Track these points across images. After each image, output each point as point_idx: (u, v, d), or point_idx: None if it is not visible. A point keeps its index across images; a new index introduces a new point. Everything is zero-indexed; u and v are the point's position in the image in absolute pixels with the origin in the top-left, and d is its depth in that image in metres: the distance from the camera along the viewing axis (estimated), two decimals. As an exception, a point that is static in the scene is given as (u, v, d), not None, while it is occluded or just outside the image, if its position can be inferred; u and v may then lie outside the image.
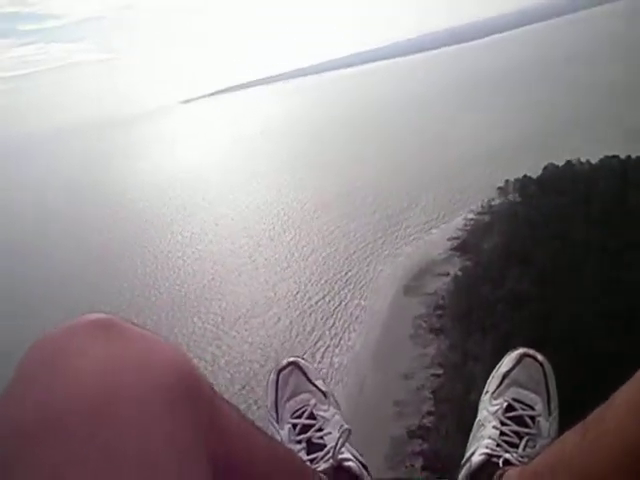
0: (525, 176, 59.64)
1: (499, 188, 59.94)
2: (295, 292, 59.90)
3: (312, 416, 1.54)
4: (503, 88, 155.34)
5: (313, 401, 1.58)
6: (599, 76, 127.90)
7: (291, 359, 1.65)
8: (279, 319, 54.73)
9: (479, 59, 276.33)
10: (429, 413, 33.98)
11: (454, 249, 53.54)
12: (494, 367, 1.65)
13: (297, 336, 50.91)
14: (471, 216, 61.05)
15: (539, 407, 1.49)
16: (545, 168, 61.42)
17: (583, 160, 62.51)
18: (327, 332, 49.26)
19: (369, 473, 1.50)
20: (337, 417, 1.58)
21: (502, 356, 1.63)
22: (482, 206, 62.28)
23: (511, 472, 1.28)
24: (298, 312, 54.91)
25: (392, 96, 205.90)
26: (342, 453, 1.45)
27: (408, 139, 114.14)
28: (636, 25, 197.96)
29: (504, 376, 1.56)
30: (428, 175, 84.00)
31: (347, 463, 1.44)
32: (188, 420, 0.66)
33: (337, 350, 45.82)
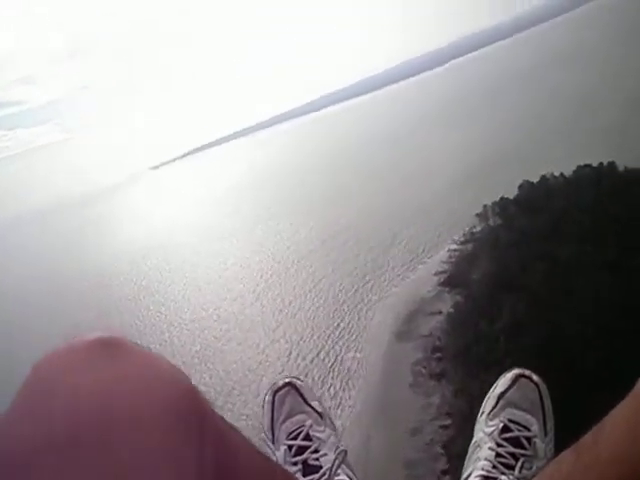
0: (502, 198, 58.61)
1: (478, 215, 58.73)
2: (288, 353, 57.15)
3: (308, 437, 1.53)
4: (474, 108, 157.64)
5: (309, 422, 1.57)
6: (565, 85, 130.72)
7: (287, 380, 1.68)
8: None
9: (447, 84, 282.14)
10: (443, 472, 31.24)
11: (442, 284, 51.66)
12: None
13: (295, 401, 47.92)
14: (454, 247, 59.53)
15: (535, 428, 1.48)
16: (520, 186, 60.59)
17: (557, 173, 61.99)
18: (326, 393, 46.44)
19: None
20: (333, 438, 1.57)
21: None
22: (464, 234, 60.93)
23: None
24: (293, 374, 52.05)
25: (366, 133, 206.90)
26: (338, 475, 1.45)
27: (387, 175, 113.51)
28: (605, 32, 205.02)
29: (499, 397, 1.55)
30: (409, 209, 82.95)
31: None
32: (190, 440, 0.65)
33: (339, 411, 42.92)
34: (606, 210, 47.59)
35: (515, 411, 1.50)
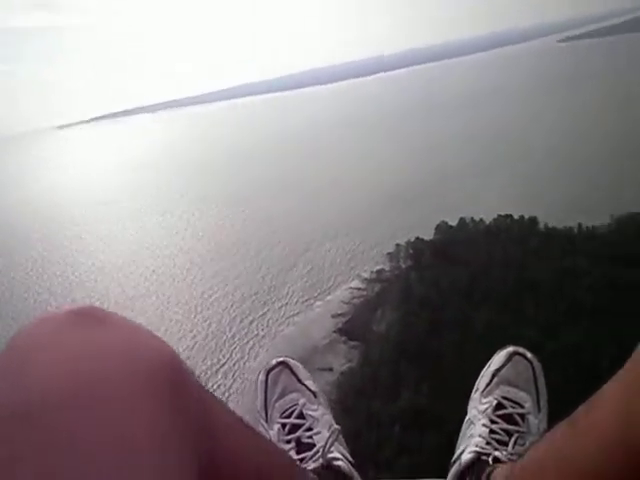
0: (417, 239, 52.93)
1: (389, 254, 52.64)
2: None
3: (301, 415, 1.54)
4: (410, 123, 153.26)
5: (302, 400, 1.57)
6: (498, 120, 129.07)
7: (280, 359, 1.64)
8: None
9: (373, 96, 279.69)
10: None
11: (339, 331, 44.75)
12: None
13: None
14: (359, 285, 52.98)
15: (528, 405, 1.51)
16: (437, 227, 55.43)
17: (477, 218, 57.62)
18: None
19: (358, 472, 1.52)
20: (327, 417, 1.58)
21: None
22: (371, 272, 54.62)
23: (501, 469, 1.31)
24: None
25: (284, 132, 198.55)
26: (331, 452, 1.47)
27: (295, 186, 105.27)
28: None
29: (494, 374, 1.57)
30: (312, 232, 75.53)
31: (337, 462, 1.46)
32: (172, 408, 0.65)
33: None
34: (528, 274, 43.05)
35: (509, 388, 1.51)
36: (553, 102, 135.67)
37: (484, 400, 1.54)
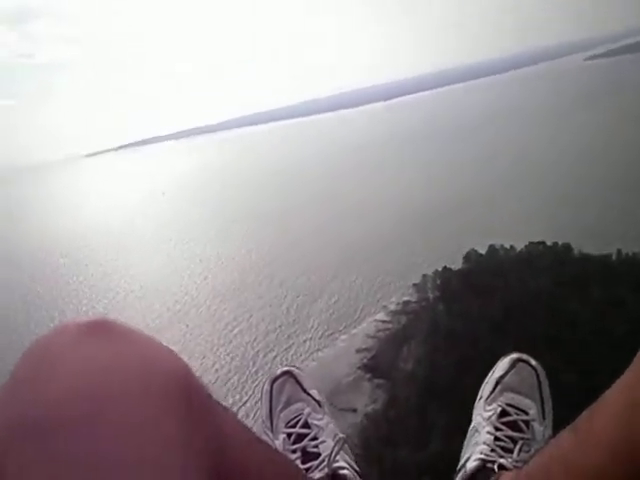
0: (445, 268, 50.73)
1: (415, 285, 50.53)
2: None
3: (307, 425, 1.55)
4: (440, 144, 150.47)
5: (307, 410, 1.58)
6: (524, 140, 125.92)
7: (285, 368, 1.66)
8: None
9: (397, 119, 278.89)
10: None
11: (364, 367, 42.62)
12: None
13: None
14: (384, 317, 50.86)
15: (533, 412, 1.51)
16: (466, 256, 53.11)
17: (507, 245, 55.12)
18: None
19: None
20: (331, 426, 1.58)
21: None
22: (397, 303, 52.54)
23: (506, 476, 1.32)
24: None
25: (306, 158, 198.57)
26: (337, 461, 1.48)
27: (316, 213, 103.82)
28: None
29: (498, 381, 1.57)
30: (338, 260, 73.78)
31: (342, 471, 1.46)
32: (185, 421, 0.65)
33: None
34: (564, 305, 40.38)
35: (513, 395, 1.50)
36: (585, 122, 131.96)
37: (488, 407, 1.52)
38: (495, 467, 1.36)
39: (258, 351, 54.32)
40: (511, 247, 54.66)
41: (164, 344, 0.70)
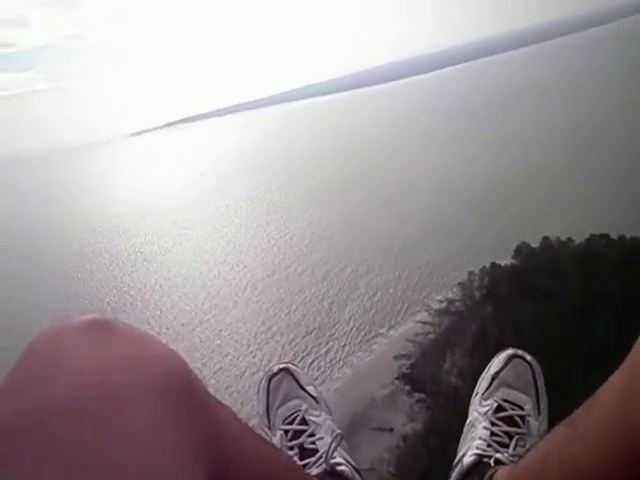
0: (493, 264, 46.06)
1: (459, 284, 46.15)
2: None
3: (304, 422, 1.56)
4: (480, 121, 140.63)
5: (305, 406, 1.60)
6: (586, 112, 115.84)
7: (282, 365, 1.67)
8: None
9: (436, 93, 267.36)
10: None
11: (402, 378, 38.88)
12: None
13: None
14: (426, 318, 46.81)
15: (528, 407, 1.53)
16: (517, 250, 48.17)
17: (564, 238, 49.71)
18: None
19: (362, 477, 1.53)
20: (329, 422, 1.60)
21: None
22: (440, 301, 48.36)
23: (502, 471, 1.32)
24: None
25: (350, 133, 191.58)
26: (334, 458, 1.49)
27: (359, 193, 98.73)
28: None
29: (493, 377, 1.60)
30: (376, 249, 69.58)
31: (340, 467, 1.47)
32: (181, 419, 0.65)
33: None
34: (636, 311, 35.27)
35: (509, 390, 1.53)
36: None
37: (484, 403, 1.54)
38: (491, 462, 1.37)
39: (295, 354, 50.97)
40: (568, 240, 49.25)
41: (159, 339, 0.70)
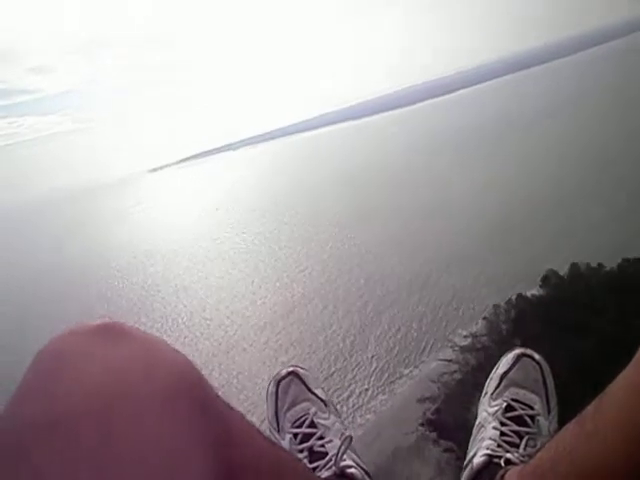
0: (520, 296, 43.44)
1: (484, 318, 43.60)
2: None
3: (313, 425, 1.58)
4: (494, 144, 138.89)
5: (313, 410, 1.62)
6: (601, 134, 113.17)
7: (290, 369, 1.68)
8: None
9: (457, 115, 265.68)
10: None
11: (427, 423, 36.22)
12: None
13: None
14: (449, 356, 44.19)
15: (538, 406, 1.56)
16: (545, 279, 45.47)
17: (594, 264, 46.86)
18: None
19: (371, 479, 1.53)
20: (338, 425, 1.63)
21: None
22: (465, 336, 45.73)
23: (513, 471, 1.30)
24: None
25: (369, 160, 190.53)
26: (344, 460, 1.50)
27: (380, 221, 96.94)
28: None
29: (502, 377, 1.62)
30: (399, 281, 67.12)
31: (349, 470, 1.47)
32: (193, 421, 0.66)
33: None
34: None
35: (518, 390, 1.54)
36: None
37: (494, 403, 1.56)
38: (502, 462, 1.36)
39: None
40: (599, 265, 46.43)
41: (169, 344, 0.71)
